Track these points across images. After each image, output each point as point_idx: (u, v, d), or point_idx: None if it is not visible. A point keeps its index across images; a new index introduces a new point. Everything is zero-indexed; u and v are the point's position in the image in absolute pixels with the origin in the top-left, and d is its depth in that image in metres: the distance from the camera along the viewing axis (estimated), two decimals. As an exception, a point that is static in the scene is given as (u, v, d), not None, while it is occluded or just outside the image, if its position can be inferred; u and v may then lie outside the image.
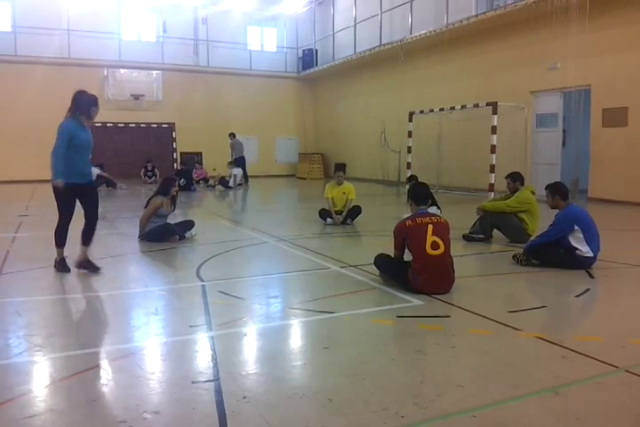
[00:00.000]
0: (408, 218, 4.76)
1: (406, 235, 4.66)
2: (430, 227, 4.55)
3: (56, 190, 5.19)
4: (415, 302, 4.36)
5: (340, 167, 9.01)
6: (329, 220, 8.79)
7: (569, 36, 11.91)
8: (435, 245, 4.50)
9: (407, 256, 4.79)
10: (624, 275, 5.46)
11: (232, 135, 18.24)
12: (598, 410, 2.59)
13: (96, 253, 6.52)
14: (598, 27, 11.60)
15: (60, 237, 5.42)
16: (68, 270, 5.36)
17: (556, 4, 11.86)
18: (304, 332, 3.86)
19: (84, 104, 5.27)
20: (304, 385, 2.88)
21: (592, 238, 5.44)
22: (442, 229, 4.60)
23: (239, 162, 17.56)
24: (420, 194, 4.91)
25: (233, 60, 22.24)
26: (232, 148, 18.17)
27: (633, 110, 11.36)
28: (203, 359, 3.21)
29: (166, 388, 2.83)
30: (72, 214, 5.38)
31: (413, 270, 4.57)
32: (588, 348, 3.35)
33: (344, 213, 8.79)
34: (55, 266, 5.43)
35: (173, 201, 7.48)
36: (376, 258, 5.08)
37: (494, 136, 12.36)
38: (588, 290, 4.82)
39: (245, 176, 17.71)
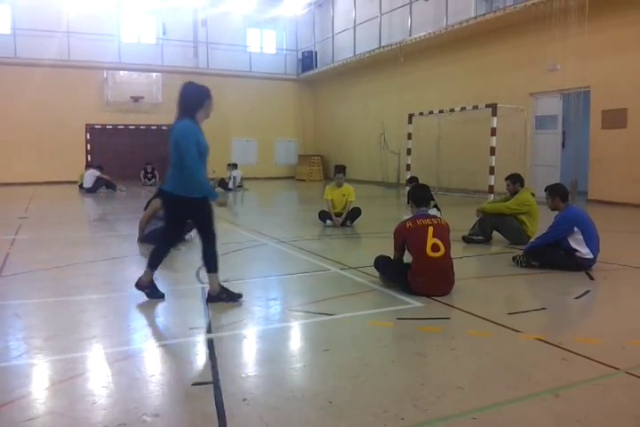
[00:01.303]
0: (408, 219, 4.76)
1: (406, 236, 4.66)
2: (431, 229, 4.54)
3: (201, 208, 4.30)
4: (415, 303, 4.36)
5: (340, 169, 9.01)
6: (328, 221, 8.79)
7: (568, 37, 11.93)
8: (435, 248, 4.49)
9: (407, 258, 4.79)
10: (624, 276, 5.46)
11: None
12: (599, 412, 2.58)
13: (95, 255, 6.54)
14: (597, 28, 11.62)
15: (159, 259, 4.56)
16: (162, 296, 4.56)
17: (555, 6, 11.88)
18: (304, 334, 3.85)
19: (198, 98, 4.39)
20: (304, 387, 2.88)
21: (591, 240, 5.44)
22: (442, 231, 4.60)
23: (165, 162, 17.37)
24: (420, 195, 4.91)
25: (232, 62, 22.26)
26: None
27: (632, 112, 11.37)
28: (202, 362, 3.21)
29: (166, 390, 2.82)
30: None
31: (413, 272, 4.56)
32: (588, 349, 3.35)
33: (343, 215, 8.79)
34: (143, 288, 4.54)
35: None
36: (376, 259, 5.07)
37: (494, 138, 12.36)
38: (587, 292, 4.82)
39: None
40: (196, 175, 4.14)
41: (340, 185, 8.97)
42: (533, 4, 12.26)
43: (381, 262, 5.00)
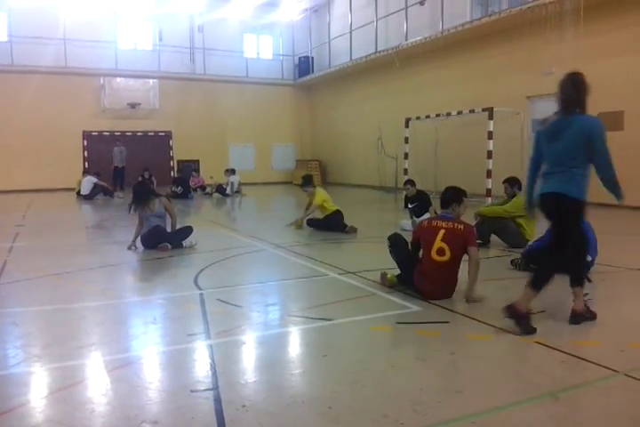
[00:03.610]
0: (427, 219, 4.93)
1: (420, 235, 4.75)
2: (442, 232, 4.52)
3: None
4: (414, 307, 4.36)
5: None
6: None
7: (564, 41, 11.98)
8: (441, 251, 4.48)
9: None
10: (622, 279, 5.47)
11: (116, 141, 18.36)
12: (598, 415, 2.58)
13: (93, 262, 6.52)
14: (593, 31, 11.67)
15: (545, 281, 3.79)
16: (533, 332, 3.67)
17: (550, 10, 11.94)
18: (303, 339, 3.85)
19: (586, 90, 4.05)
20: (303, 393, 2.87)
21: (589, 243, 5.44)
22: (455, 236, 4.50)
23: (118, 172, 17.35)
24: (443, 197, 4.88)
25: (229, 67, 22.32)
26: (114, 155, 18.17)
27: (629, 114, 11.41)
28: (201, 368, 3.20)
29: (165, 397, 2.82)
30: None
31: (418, 270, 4.63)
32: (587, 352, 3.35)
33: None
34: (516, 316, 3.71)
35: (161, 201, 7.40)
36: (393, 236, 5.15)
37: (490, 141, 12.39)
38: (586, 294, 4.80)
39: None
40: (615, 175, 3.85)
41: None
42: (528, 8, 12.32)
43: (398, 240, 5.06)
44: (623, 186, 4.07)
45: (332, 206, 9.16)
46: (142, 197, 7.27)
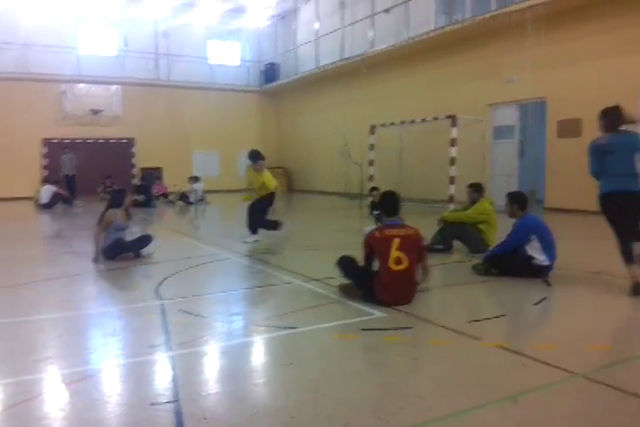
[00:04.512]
0: (377, 229, 4.74)
1: (373, 247, 4.62)
2: (396, 241, 4.50)
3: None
4: (377, 314, 4.38)
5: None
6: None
7: (524, 49, 12.30)
8: (398, 261, 4.47)
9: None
10: (579, 282, 5.59)
11: (65, 148, 17.80)
12: (557, 416, 2.63)
13: (51, 273, 6.36)
14: (552, 40, 12.01)
15: (627, 255, 4.87)
16: None
17: (512, 19, 12.24)
18: (266, 349, 3.82)
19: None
20: (266, 403, 2.85)
21: (548, 247, 5.57)
22: (409, 243, 4.53)
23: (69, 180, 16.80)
24: (389, 204, 4.83)
25: (194, 73, 22.18)
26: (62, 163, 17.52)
27: (587, 121, 11.72)
28: (162, 380, 3.15)
29: (125, 411, 2.75)
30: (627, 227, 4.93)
31: (377, 281, 4.57)
32: (546, 355, 3.41)
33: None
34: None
35: (127, 213, 7.33)
36: (341, 259, 4.95)
37: (453, 148, 12.58)
38: (545, 298, 4.92)
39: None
40: None
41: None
42: (491, 16, 12.61)
43: (347, 264, 4.89)
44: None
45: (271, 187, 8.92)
46: (120, 204, 7.20)
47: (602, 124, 5.04)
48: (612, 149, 4.86)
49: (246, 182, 9.30)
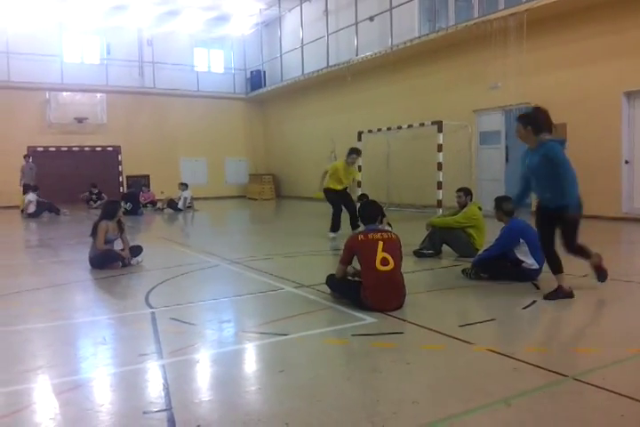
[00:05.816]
0: (360, 232, 4.83)
1: (357, 249, 4.71)
2: (381, 243, 4.60)
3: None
4: (368, 319, 4.38)
5: (354, 151, 9.96)
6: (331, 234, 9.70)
7: (508, 56, 12.43)
8: (384, 262, 4.55)
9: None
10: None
11: (26, 157, 17.39)
12: (548, 419, 2.65)
13: (39, 282, 6.29)
14: (536, 47, 12.15)
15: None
16: None
17: (495, 26, 12.38)
18: (258, 356, 3.81)
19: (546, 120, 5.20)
20: (259, 410, 2.83)
21: (537, 251, 5.60)
22: (392, 246, 4.66)
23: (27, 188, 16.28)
24: (368, 214, 4.98)
25: (179, 81, 22.14)
26: (22, 171, 17.09)
27: (571, 126, 11.87)
28: (154, 389, 3.12)
29: (116, 420, 2.73)
30: None
31: (364, 287, 4.60)
32: (537, 358, 3.43)
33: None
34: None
35: (119, 225, 7.30)
36: (328, 277, 5.12)
37: (440, 154, 12.68)
38: (534, 302, 4.95)
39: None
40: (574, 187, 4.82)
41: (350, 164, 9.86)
42: (475, 24, 12.74)
43: (333, 280, 5.04)
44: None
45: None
46: (113, 216, 7.16)
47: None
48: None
49: (334, 180, 9.84)
